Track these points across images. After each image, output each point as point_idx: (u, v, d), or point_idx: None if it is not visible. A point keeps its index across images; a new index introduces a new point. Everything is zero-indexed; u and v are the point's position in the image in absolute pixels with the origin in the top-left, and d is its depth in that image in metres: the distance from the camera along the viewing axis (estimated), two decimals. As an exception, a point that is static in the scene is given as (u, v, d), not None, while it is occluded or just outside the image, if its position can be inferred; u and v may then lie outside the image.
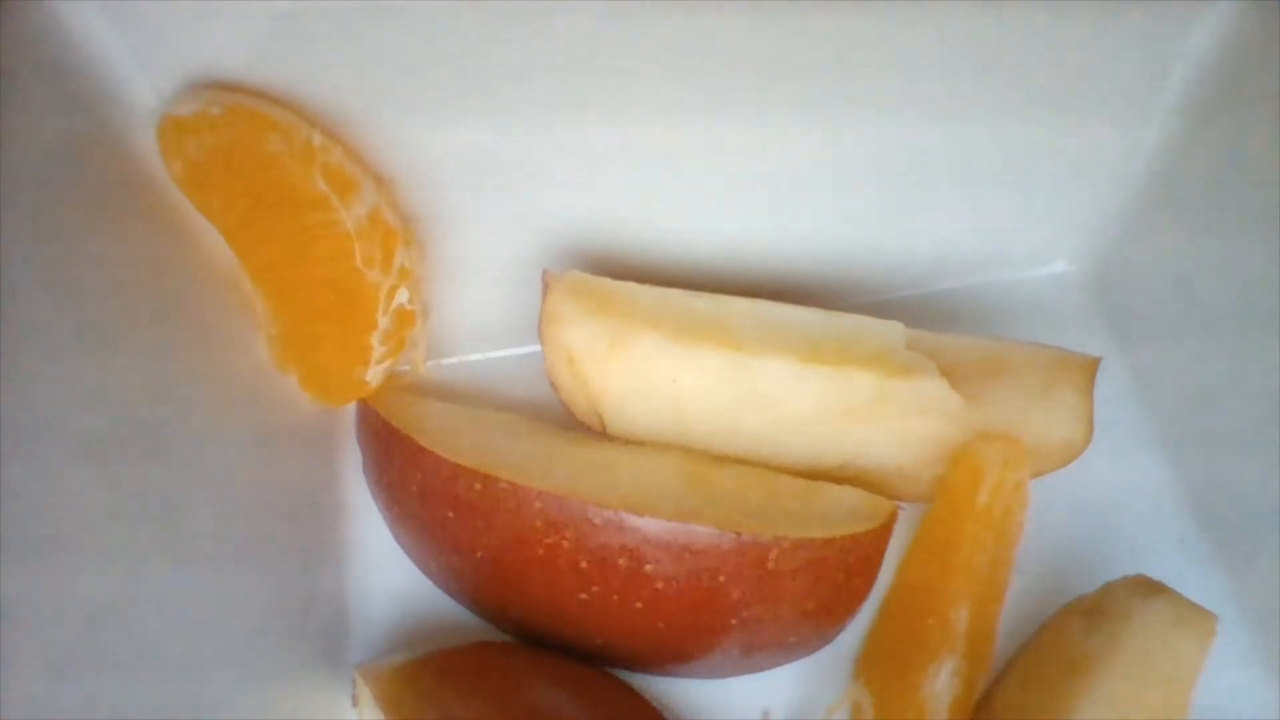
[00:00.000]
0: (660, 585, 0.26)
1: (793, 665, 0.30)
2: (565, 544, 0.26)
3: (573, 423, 0.32)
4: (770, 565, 0.26)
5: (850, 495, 0.29)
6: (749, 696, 0.30)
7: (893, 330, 0.30)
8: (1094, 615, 0.27)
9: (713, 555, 0.26)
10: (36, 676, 0.19)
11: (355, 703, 0.28)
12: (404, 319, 0.30)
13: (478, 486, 0.27)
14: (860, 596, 0.29)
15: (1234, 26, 0.29)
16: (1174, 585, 0.27)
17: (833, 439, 0.30)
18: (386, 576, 0.32)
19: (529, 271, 0.31)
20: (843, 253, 0.35)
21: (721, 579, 0.26)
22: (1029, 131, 0.32)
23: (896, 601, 0.31)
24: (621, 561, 0.26)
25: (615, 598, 0.27)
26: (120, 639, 0.21)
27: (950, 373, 0.29)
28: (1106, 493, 0.33)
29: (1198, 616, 0.26)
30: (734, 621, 0.27)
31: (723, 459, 0.30)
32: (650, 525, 0.26)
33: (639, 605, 0.27)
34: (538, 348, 0.31)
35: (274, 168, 0.26)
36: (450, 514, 0.28)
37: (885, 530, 0.28)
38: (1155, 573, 0.28)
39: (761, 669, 0.30)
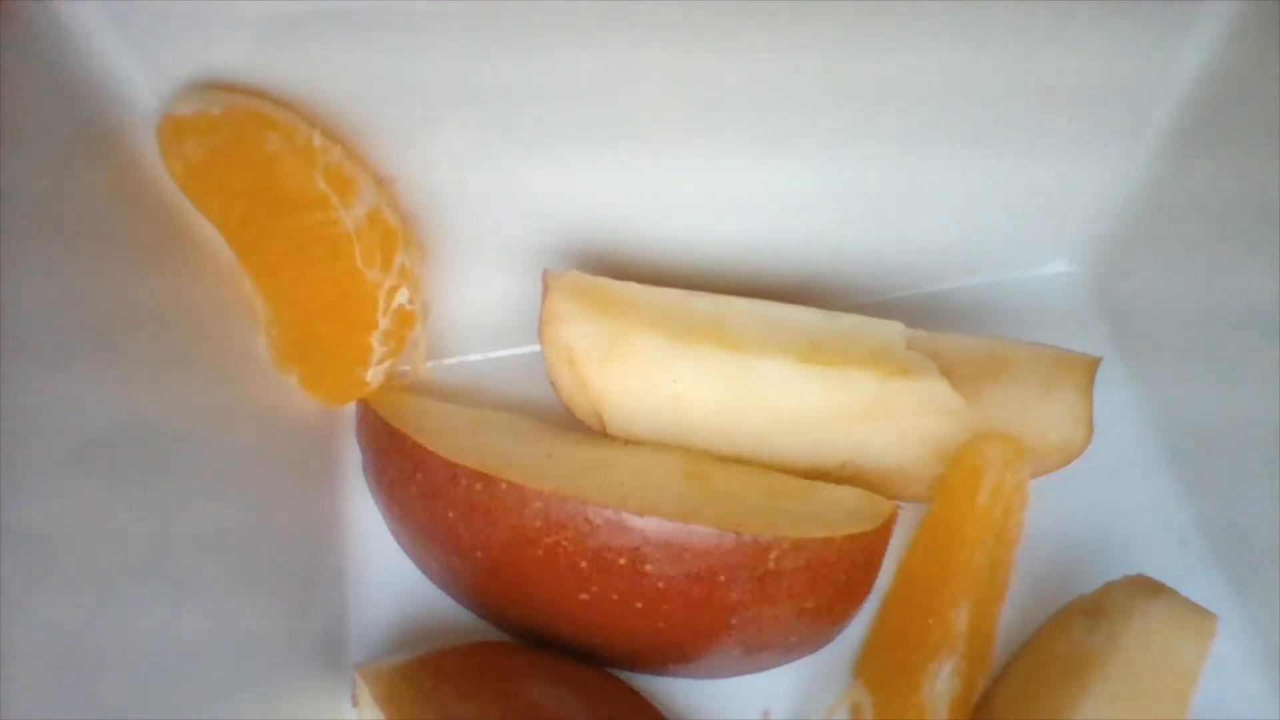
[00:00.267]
0: (660, 585, 0.26)
1: (793, 665, 0.30)
2: (565, 544, 0.26)
3: (573, 423, 0.32)
4: (770, 565, 0.26)
5: (850, 495, 0.29)
6: (749, 696, 0.30)
7: (893, 330, 0.30)
8: (1094, 615, 0.27)
9: (713, 555, 0.26)
10: (36, 676, 0.19)
11: (355, 702, 0.28)
12: (404, 319, 0.30)
13: (478, 486, 0.27)
14: (860, 596, 0.29)
15: (1234, 29, 0.29)
16: (1174, 585, 0.27)
17: (833, 439, 0.30)
18: (386, 576, 0.32)
19: (529, 271, 0.31)
20: (843, 253, 0.35)
21: (721, 579, 0.26)
22: (1030, 132, 0.32)
23: (896, 601, 0.31)
24: (621, 561, 0.26)
25: (615, 598, 0.27)
26: (120, 639, 0.21)
27: (950, 373, 0.29)
28: (1106, 492, 0.33)
29: (1198, 616, 0.26)
30: (734, 621, 0.27)
31: (723, 459, 0.30)
32: (650, 525, 0.26)
33: (639, 605, 0.27)
34: (538, 348, 0.31)
35: (274, 168, 0.26)
36: (450, 514, 0.28)
37: (885, 530, 0.28)
38: (1155, 573, 0.28)
39: (761, 669, 0.30)
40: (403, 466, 0.29)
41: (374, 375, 0.30)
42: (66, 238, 0.22)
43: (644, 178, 0.31)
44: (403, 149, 0.28)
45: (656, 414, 0.30)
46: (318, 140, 0.26)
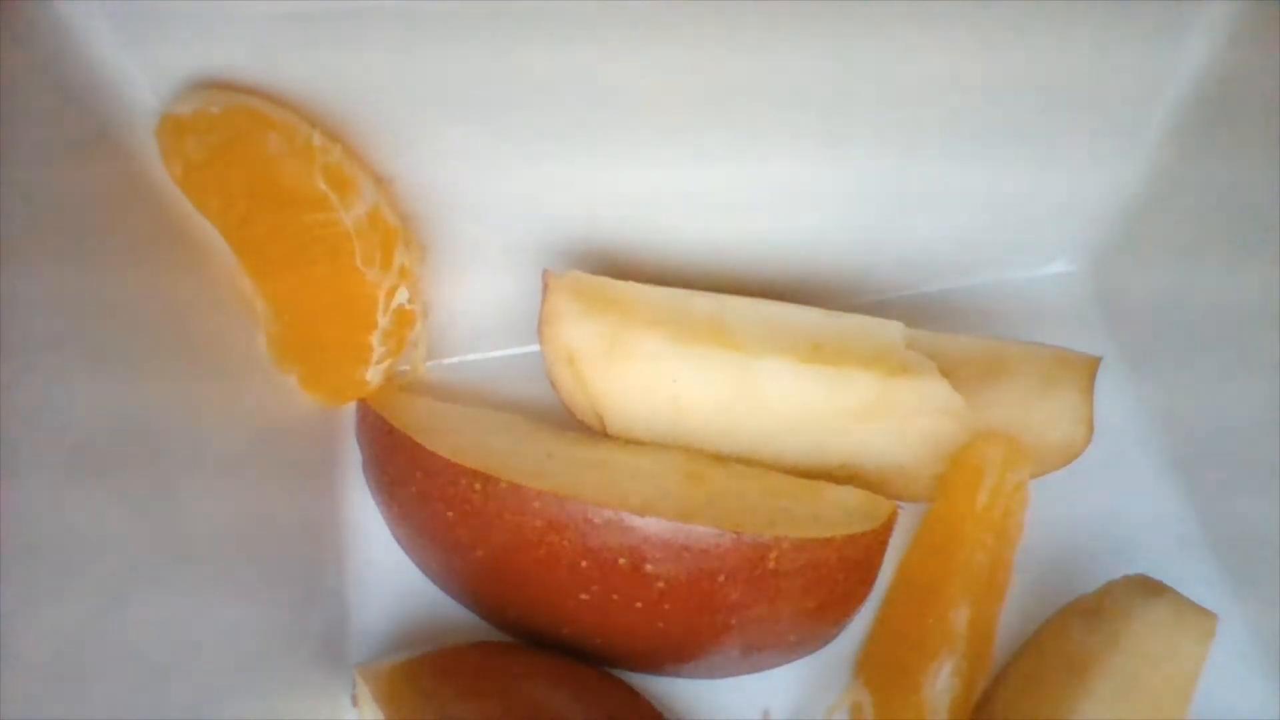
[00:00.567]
0: (660, 585, 0.26)
1: (793, 665, 0.30)
2: (565, 544, 0.26)
3: (573, 423, 0.32)
4: (770, 565, 0.26)
5: (850, 495, 0.29)
6: (749, 696, 0.30)
7: (893, 330, 0.30)
8: (1094, 615, 0.27)
9: (713, 555, 0.26)
10: (36, 675, 0.19)
11: (355, 702, 0.28)
12: (404, 319, 0.30)
13: (478, 486, 0.27)
14: (860, 596, 0.29)
15: (1234, 29, 0.29)
16: (1174, 585, 0.27)
17: (833, 439, 0.30)
18: (386, 576, 0.32)
19: (529, 271, 0.31)
20: (843, 253, 0.35)
21: (721, 579, 0.26)
22: (1030, 132, 0.32)
23: (896, 601, 0.31)
24: (621, 561, 0.26)
25: (615, 597, 0.27)
26: (120, 639, 0.21)
27: (950, 373, 0.29)
28: (1106, 493, 0.33)
29: (1198, 616, 0.26)
30: (734, 621, 0.27)
31: (723, 459, 0.30)
32: (650, 525, 0.26)
33: (639, 605, 0.27)
34: (538, 348, 0.31)
35: (274, 167, 0.26)
36: (450, 514, 0.28)
37: (885, 530, 0.28)
38: (1155, 573, 0.28)
39: (761, 669, 0.30)
40: (403, 466, 0.29)
41: (374, 375, 0.30)
42: (66, 237, 0.22)
43: (644, 177, 0.31)
44: (403, 149, 0.28)
45: (656, 414, 0.30)
46: (318, 140, 0.26)
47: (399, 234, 0.28)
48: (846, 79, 0.29)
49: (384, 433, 0.29)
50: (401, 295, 0.29)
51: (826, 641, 0.29)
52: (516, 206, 0.31)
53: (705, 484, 0.29)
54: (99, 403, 0.22)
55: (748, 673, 0.30)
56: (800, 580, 0.27)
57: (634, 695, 0.29)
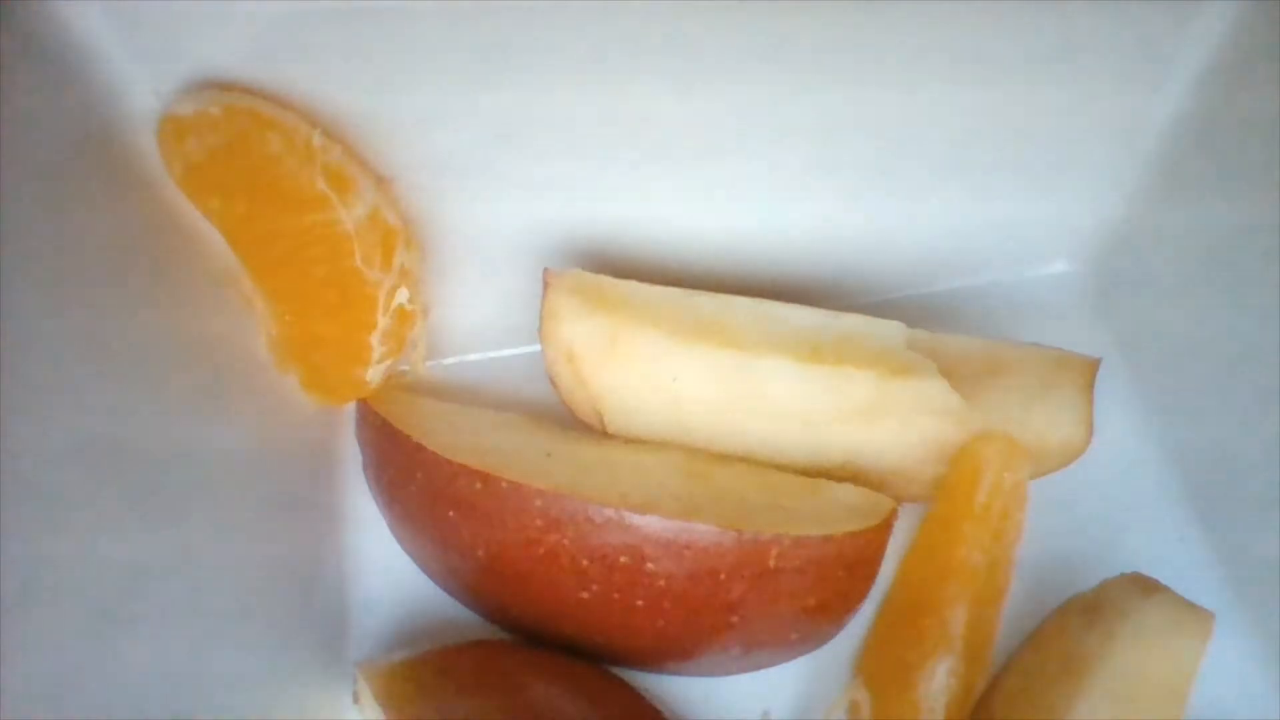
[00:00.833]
0: (661, 583, 0.26)
1: (793, 665, 0.30)
2: (566, 543, 0.26)
3: (573, 422, 0.32)
4: (771, 563, 0.26)
5: (850, 493, 0.29)
6: (749, 696, 0.30)
7: (893, 330, 0.30)
8: (1091, 614, 0.27)
9: (713, 553, 0.26)
10: (37, 676, 0.19)
11: (356, 700, 0.28)
12: (404, 319, 0.30)
13: (478, 486, 0.27)
14: (860, 594, 0.29)
15: (1234, 29, 0.29)
16: (1173, 584, 0.27)
17: (833, 439, 0.30)
18: (386, 576, 0.32)
19: (529, 271, 0.31)
20: (843, 253, 0.35)
21: (722, 577, 0.26)
22: (1029, 131, 0.32)
23: (896, 601, 0.31)
24: (622, 560, 0.26)
25: (616, 596, 0.27)
26: (120, 639, 0.21)
27: (950, 373, 0.29)
28: (1106, 493, 0.33)
29: (1194, 615, 0.26)
30: (734, 619, 0.27)
31: (723, 457, 0.30)
32: (651, 524, 0.26)
33: (640, 604, 0.27)
34: (538, 347, 0.31)
35: (274, 167, 0.26)
36: (450, 513, 0.28)
37: (885, 528, 0.28)
38: (1155, 572, 0.28)
39: (762, 667, 0.30)
40: (403, 466, 0.29)
41: (374, 375, 0.30)
42: (66, 238, 0.22)
43: (644, 177, 0.31)
44: (403, 149, 0.28)
45: (657, 412, 0.30)
46: (318, 140, 0.26)
47: (399, 234, 0.28)
48: (846, 79, 0.29)
49: (384, 432, 0.29)
50: (401, 295, 0.29)
51: (827, 640, 0.30)
52: (516, 206, 0.31)
53: (706, 482, 0.29)
54: (98, 404, 0.22)
55: (748, 671, 0.30)
56: (801, 578, 0.27)
57: (634, 694, 0.29)
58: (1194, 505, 0.33)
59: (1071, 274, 0.38)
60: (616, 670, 0.30)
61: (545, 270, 0.30)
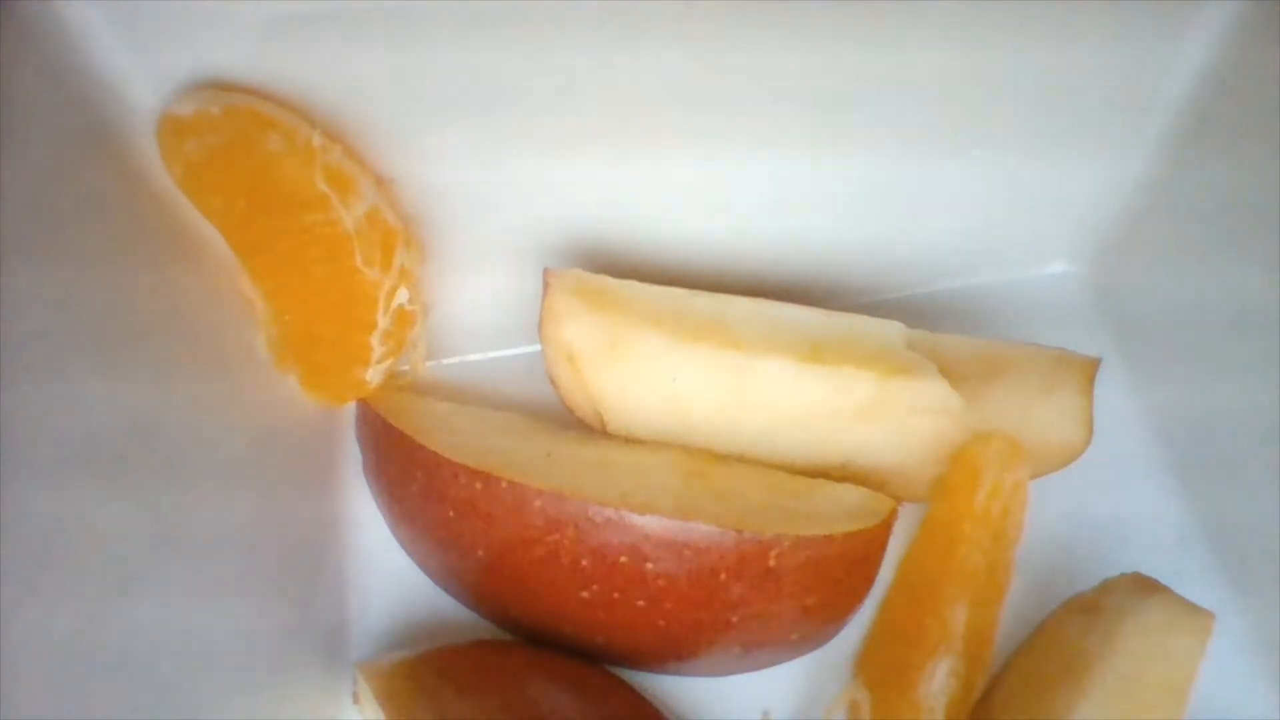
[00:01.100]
0: (661, 583, 0.26)
1: (793, 665, 0.30)
2: (566, 542, 0.26)
3: (573, 422, 0.32)
4: (771, 563, 0.26)
5: (851, 493, 0.29)
6: (749, 696, 0.30)
7: (893, 330, 0.30)
8: (1090, 613, 0.27)
9: (713, 553, 0.26)
10: (36, 675, 0.19)
11: (356, 699, 0.28)
12: (404, 319, 0.30)
13: (478, 486, 0.27)
14: (860, 594, 0.29)
15: (1234, 29, 0.29)
16: (1173, 585, 0.27)
17: (833, 439, 0.30)
18: (386, 576, 0.32)
19: (529, 271, 0.31)
20: (843, 253, 0.35)
21: (722, 577, 0.26)
22: (1029, 131, 0.32)
23: (896, 601, 0.31)
24: (622, 560, 0.26)
25: (616, 596, 0.27)
26: (120, 639, 0.21)
27: (950, 373, 0.29)
28: (1106, 493, 0.33)
29: (1194, 615, 0.26)
30: (734, 619, 0.27)
31: (723, 457, 0.30)
32: (651, 523, 0.26)
33: (640, 603, 0.27)
34: (538, 347, 0.31)
35: (274, 168, 0.26)
36: (450, 513, 0.28)
37: (885, 527, 0.28)
38: (1155, 572, 0.28)
39: (762, 667, 0.30)
40: (403, 466, 0.29)
41: (374, 375, 0.30)
42: (66, 237, 0.22)
43: (644, 176, 0.31)
44: (403, 149, 0.29)
45: (656, 412, 0.30)
46: (318, 140, 0.26)
47: (399, 234, 0.28)
48: (846, 78, 0.29)
49: (384, 433, 0.29)
50: (401, 295, 0.29)
51: (827, 639, 0.30)
52: (516, 206, 0.31)
53: (706, 482, 0.29)
54: (99, 403, 0.22)
55: (748, 671, 0.30)
56: (801, 578, 0.27)
57: (635, 693, 0.29)
58: (1194, 505, 0.33)
59: (1071, 274, 0.38)
60: (617, 670, 0.30)
61: (545, 270, 0.30)
